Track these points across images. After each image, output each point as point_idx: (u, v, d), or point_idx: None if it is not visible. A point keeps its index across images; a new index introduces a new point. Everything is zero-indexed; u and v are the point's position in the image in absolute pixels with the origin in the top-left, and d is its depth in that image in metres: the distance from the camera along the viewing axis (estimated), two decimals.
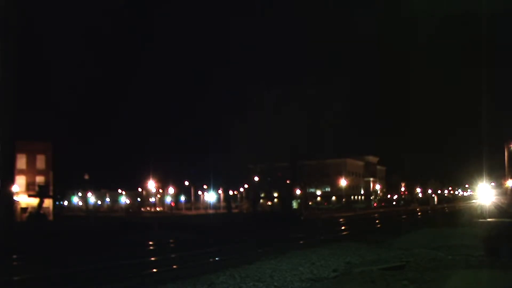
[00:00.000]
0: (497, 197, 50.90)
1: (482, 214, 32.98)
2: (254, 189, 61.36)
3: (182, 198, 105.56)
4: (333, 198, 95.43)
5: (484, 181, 42.15)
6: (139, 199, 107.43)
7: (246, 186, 77.74)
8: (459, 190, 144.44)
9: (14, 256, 21.18)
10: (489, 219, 18.31)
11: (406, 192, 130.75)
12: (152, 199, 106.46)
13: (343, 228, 37.75)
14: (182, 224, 42.07)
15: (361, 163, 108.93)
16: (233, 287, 11.88)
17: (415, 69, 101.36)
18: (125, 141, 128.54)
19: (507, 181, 54.53)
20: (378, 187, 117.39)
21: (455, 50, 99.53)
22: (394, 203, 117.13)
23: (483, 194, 42.04)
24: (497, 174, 62.30)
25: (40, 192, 57.56)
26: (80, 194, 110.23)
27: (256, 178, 59.59)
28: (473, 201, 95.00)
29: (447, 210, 64.41)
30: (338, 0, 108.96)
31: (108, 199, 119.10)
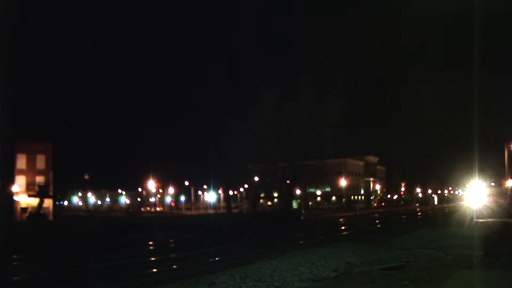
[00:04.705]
0: (491, 197, 50.71)
1: (481, 214, 32.93)
2: (254, 189, 61.20)
3: (182, 198, 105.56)
4: (333, 198, 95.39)
5: (478, 181, 41.83)
6: (139, 199, 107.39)
7: (246, 186, 77.65)
8: (459, 190, 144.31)
9: (14, 256, 21.18)
10: (488, 219, 18.30)
11: (406, 192, 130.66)
12: (152, 199, 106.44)
13: (343, 228, 37.75)
14: (182, 224, 42.08)
15: (361, 163, 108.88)
16: (233, 287, 11.89)
17: (415, 69, 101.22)
18: (125, 141, 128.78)
19: (507, 181, 54.49)
20: (378, 187, 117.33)
21: (455, 50, 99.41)
22: (394, 203, 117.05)
23: (476, 195, 41.61)
24: (497, 174, 62.32)
25: (40, 192, 57.55)
26: (80, 194, 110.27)
27: (256, 178, 59.47)
28: (463, 202, 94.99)
29: (447, 210, 64.34)
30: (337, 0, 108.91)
31: (108, 199, 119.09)
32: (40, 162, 61.78)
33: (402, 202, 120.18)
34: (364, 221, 46.74)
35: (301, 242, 25.23)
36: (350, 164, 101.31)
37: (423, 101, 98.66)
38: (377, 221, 47.08)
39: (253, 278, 12.78)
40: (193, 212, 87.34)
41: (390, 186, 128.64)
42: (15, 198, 47.35)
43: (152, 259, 19.78)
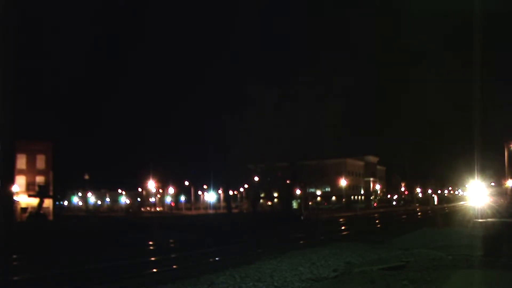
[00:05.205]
0: (491, 197, 50.72)
1: (481, 214, 32.97)
2: (254, 189, 61.22)
3: (182, 198, 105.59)
4: (333, 198, 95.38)
5: (478, 181, 41.82)
6: (139, 199, 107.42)
7: (246, 186, 77.68)
8: (459, 190, 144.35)
9: (14, 256, 21.18)
10: (488, 219, 18.31)
11: (406, 192, 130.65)
12: (152, 199, 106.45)
13: (343, 228, 37.75)
14: (182, 224, 42.10)
15: (361, 163, 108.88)
16: (233, 287, 11.88)
17: (415, 69, 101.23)
18: (125, 141, 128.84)
19: (507, 181, 54.49)
20: (378, 187, 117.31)
21: (455, 50, 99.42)
22: (394, 203, 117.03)
23: (476, 195, 41.58)
24: (497, 174, 62.32)
25: (40, 192, 57.54)
26: (80, 194, 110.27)
27: (256, 178, 59.50)
28: (462, 202, 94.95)
29: (447, 210, 64.39)
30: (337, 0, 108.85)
31: (108, 199, 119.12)
32: (40, 162, 61.79)
33: (402, 202, 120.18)
34: (364, 221, 46.75)
35: (301, 242, 25.23)
36: (350, 164, 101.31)
37: (423, 101, 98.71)
38: (377, 221, 47.09)
39: (253, 278, 12.78)
40: (193, 212, 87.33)
41: (390, 186, 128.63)
42: (15, 198, 47.35)
43: (152, 259, 19.79)
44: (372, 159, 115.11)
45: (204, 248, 22.72)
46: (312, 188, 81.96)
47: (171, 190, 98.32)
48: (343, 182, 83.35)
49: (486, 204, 38.74)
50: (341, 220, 49.81)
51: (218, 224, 41.51)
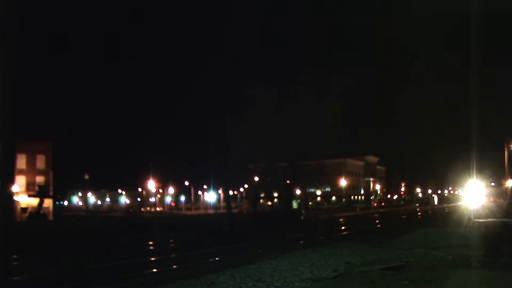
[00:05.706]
0: (490, 197, 50.72)
1: (481, 214, 32.98)
2: (254, 189, 61.20)
3: (182, 198, 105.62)
4: (333, 198, 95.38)
5: (476, 181, 41.81)
6: (139, 199, 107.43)
7: (246, 186, 77.68)
8: (459, 190, 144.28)
9: (14, 256, 21.18)
10: (488, 219, 18.32)
11: (406, 192, 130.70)
12: (152, 199, 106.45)
13: (343, 228, 37.75)
14: (182, 224, 42.11)
15: (361, 163, 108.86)
16: (233, 287, 11.89)
17: (415, 69, 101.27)
18: (125, 141, 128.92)
19: (507, 181, 54.51)
20: (378, 187, 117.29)
21: (454, 50, 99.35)
22: (394, 203, 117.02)
23: (474, 195, 41.60)
24: (497, 174, 62.33)
25: (40, 192, 57.54)
26: (80, 194, 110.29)
27: (256, 178, 59.48)
28: (462, 202, 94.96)
29: (447, 210, 64.39)
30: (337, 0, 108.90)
31: (108, 199, 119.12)
32: (40, 162, 61.80)
33: (402, 202, 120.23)
34: (364, 221, 46.76)
35: (301, 242, 25.23)
36: (350, 164, 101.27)
37: (423, 101, 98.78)
38: (377, 221, 47.09)
39: (253, 278, 12.78)
40: (193, 212, 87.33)
41: (390, 186, 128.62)
42: (15, 198, 47.36)
43: (152, 259, 19.79)
44: (372, 159, 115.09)
45: (204, 248, 22.72)
46: (312, 188, 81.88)
47: (171, 190, 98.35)
48: (343, 182, 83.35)
49: (486, 204, 38.77)
50: (341, 220, 49.82)
51: (218, 224, 41.51)
